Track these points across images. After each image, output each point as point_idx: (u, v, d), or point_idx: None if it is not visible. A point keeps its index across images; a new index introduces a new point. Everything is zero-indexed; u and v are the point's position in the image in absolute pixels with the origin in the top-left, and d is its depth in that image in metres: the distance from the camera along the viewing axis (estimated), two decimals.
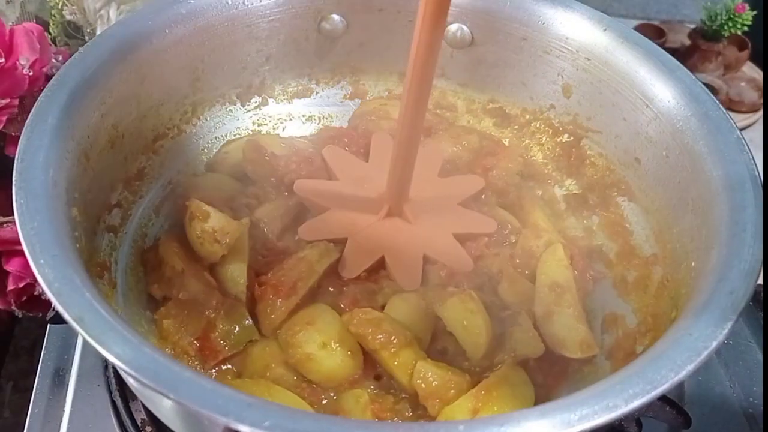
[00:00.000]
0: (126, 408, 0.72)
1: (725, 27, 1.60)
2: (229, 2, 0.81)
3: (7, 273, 0.77)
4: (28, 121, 0.62)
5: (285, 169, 0.81)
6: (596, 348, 0.70)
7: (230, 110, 0.89)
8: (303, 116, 0.93)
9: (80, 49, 0.71)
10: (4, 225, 0.76)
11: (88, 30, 0.97)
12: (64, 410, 0.74)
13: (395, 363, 0.66)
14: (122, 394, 0.73)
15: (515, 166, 0.85)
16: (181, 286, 0.70)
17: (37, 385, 0.77)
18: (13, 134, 0.75)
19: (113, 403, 0.73)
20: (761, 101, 1.61)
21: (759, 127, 1.60)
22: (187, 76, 0.82)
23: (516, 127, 0.91)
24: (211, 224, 0.71)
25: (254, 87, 0.90)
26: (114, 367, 0.75)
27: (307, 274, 0.71)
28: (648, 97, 0.76)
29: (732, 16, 1.59)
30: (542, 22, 0.83)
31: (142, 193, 0.79)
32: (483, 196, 0.83)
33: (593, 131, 0.84)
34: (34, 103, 0.64)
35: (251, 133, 0.90)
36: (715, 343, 0.51)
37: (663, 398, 0.66)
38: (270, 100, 0.92)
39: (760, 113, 1.61)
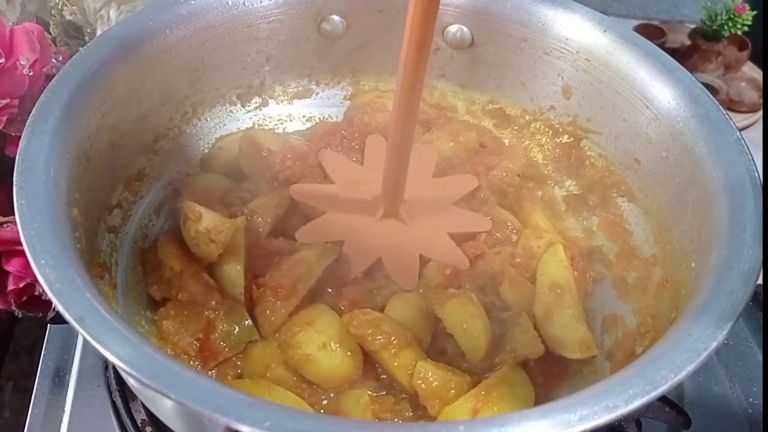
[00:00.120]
0: (126, 408, 0.72)
1: (725, 27, 1.60)
2: (230, 3, 0.81)
3: (7, 273, 0.77)
4: (29, 121, 0.62)
5: (280, 166, 0.82)
6: (596, 349, 0.70)
7: (230, 111, 0.89)
8: (303, 117, 0.93)
9: (81, 49, 0.71)
10: (5, 225, 0.75)
11: (89, 30, 0.97)
12: (64, 410, 0.74)
13: (395, 363, 0.66)
14: (122, 394, 0.73)
15: (516, 166, 0.85)
16: (180, 287, 0.70)
17: (37, 385, 0.77)
18: (13, 134, 0.75)
19: (113, 403, 0.74)
20: (761, 101, 1.61)
21: (759, 127, 1.60)
22: (187, 77, 0.82)
23: (516, 128, 0.91)
24: (205, 224, 0.71)
25: (254, 88, 0.90)
26: (114, 368, 0.75)
27: (307, 275, 0.71)
28: (648, 98, 0.76)
29: (732, 16, 1.59)
30: (542, 23, 0.83)
31: (143, 194, 0.79)
32: (482, 196, 0.83)
33: (593, 132, 0.84)
34: (35, 103, 0.64)
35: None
36: (714, 344, 0.51)
37: (663, 399, 0.66)
38: (270, 101, 0.92)
39: (760, 113, 1.61)
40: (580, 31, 0.81)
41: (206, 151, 0.87)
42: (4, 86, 0.74)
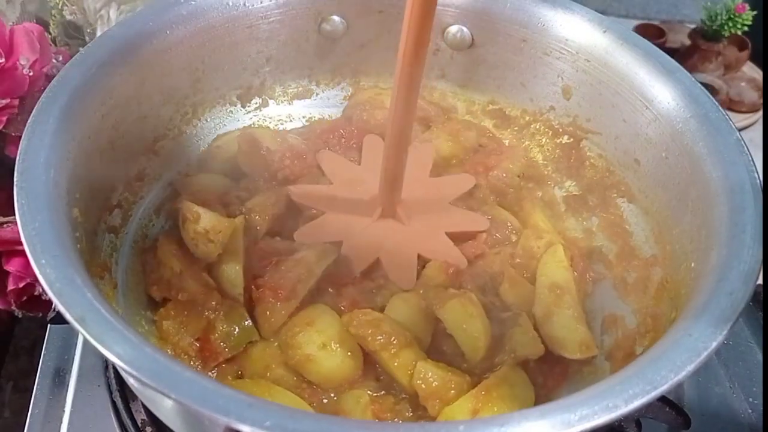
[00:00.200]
0: (126, 408, 0.72)
1: (725, 27, 1.60)
2: (230, 3, 0.81)
3: (8, 273, 0.77)
4: (29, 121, 0.62)
5: (279, 165, 0.82)
6: (596, 349, 0.70)
7: (231, 111, 0.89)
8: (303, 117, 0.93)
9: (81, 50, 0.71)
10: (5, 225, 0.76)
11: (89, 30, 0.97)
12: (64, 410, 0.74)
13: (395, 364, 0.66)
14: (122, 394, 0.73)
15: (516, 167, 0.85)
16: (180, 288, 0.70)
17: (37, 385, 0.77)
18: (13, 134, 0.75)
19: (113, 403, 0.74)
20: (761, 101, 1.61)
21: (759, 127, 1.60)
22: (187, 77, 0.82)
23: (516, 128, 0.91)
24: (203, 224, 0.71)
25: (255, 88, 0.90)
26: (114, 368, 0.75)
27: (306, 276, 0.71)
28: (647, 99, 0.76)
29: (732, 16, 1.59)
30: (542, 24, 0.83)
31: (143, 194, 0.79)
32: (481, 196, 0.83)
33: (593, 133, 0.84)
34: (35, 103, 0.64)
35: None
36: (714, 344, 0.51)
37: (663, 399, 0.66)
38: (270, 101, 0.92)
39: (760, 113, 1.61)
40: (580, 32, 0.82)
41: (204, 150, 0.87)
42: (4, 86, 0.74)
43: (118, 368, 0.48)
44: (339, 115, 0.93)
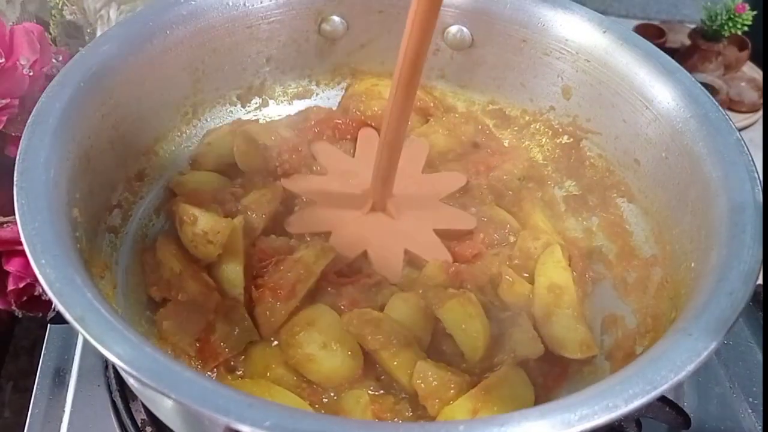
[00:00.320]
0: (126, 408, 0.72)
1: (725, 27, 1.60)
2: (230, 3, 0.81)
3: (7, 273, 0.77)
4: (29, 121, 0.62)
5: (278, 160, 0.82)
6: (596, 349, 0.70)
7: (231, 111, 0.89)
8: None
9: (81, 49, 0.71)
10: (5, 225, 0.76)
11: (89, 30, 0.97)
12: (64, 410, 0.74)
13: (395, 363, 0.66)
14: (122, 394, 0.73)
15: (518, 170, 0.85)
16: (179, 288, 0.70)
17: (37, 385, 0.77)
18: (13, 134, 0.75)
19: (113, 403, 0.73)
20: (761, 101, 1.61)
21: (759, 127, 1.60)
22: (187, 77, 0.82)
23: (516, 128, 0.91)
24: (201, 226, 0.71)
25: (254, 88, 0.90)
26: (114, 367, 0.75)
27: (306, 276, 0.71)
28: (647, 99, 0.76)
29: (732, 16, 1.59)
30: (542, 24, 0.83)
31: (143, 194, 0.79)
32: (480, 195, 0.83)
33: (593, 133, 0.84)
34: (35, 103, 0.64)
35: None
36: (714, 344, 0.51)
37: (663, 399, 0.66)
38: (270, 101, 0.92)
39: (760, 113, 1.61)
40: (580, 32, 0.82)
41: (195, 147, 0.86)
42: (4, 86, 0.74)
43: (117, 368, 0.48)
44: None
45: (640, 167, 0.78)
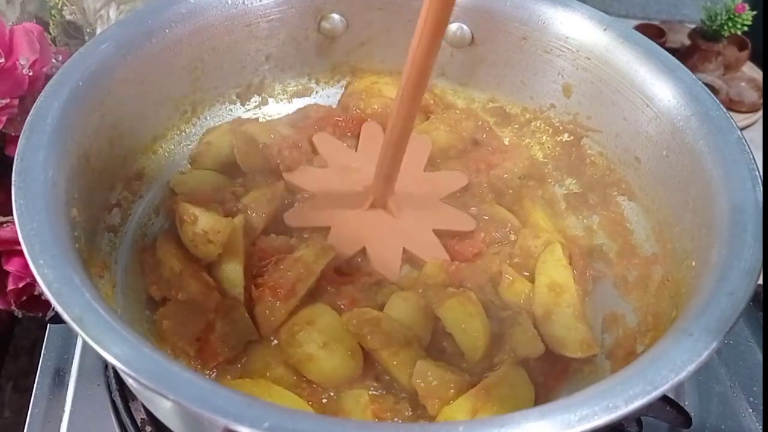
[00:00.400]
0: (126, 408, 0.72)
1: (725, 27, 1.60)
2: (229, 2, 0.81)
3: (7, 273, 0.77)
4: (27, 121, 0.62)
5: (278, 157, 0.82)
6: (596, 347, 0.70)
7: (230, 110, 0.89)
8: None
9: (80, 49, 0.70)
10: (4, 225, 0.76)
11: (88, 30, 0.96)
12: (64, 410, 0.74)
13: (395, 362, 0.66)
14: (122, 394, 0.73)
15: (519, 168, 0.84)
16: (179, 287, 0.70)
17: (37, 385, 0.76)
18: (13, 134, 0.75)
19: (113, 403, 0.73)
20: (761, 101, 1.61)
21: (759, 127, 1.60)
22: (186, 76, 0.82)
23: (516, 126, 0.91)
24: (201, 226, 0.71)
25: (254, 86, 0.90)
26: (114, 367, 0.74)
27: (306, 275, 0.71)
28: (648, 97, 0.76)
29: (732, 16, 1.58)
30: (542, 22, 0.83)
31: (142, 193, 0.79)
32: (480, 193, 0.83)
33: (593, 130, 0.84)
34: (34, 103, 0.64)
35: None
36: (715, 344, 0.51)
37: (663, 398, 0.66)
38: (270, 100, 0.91)
39: (760, 113, 1.61)
40: (581, 30, 0.81)
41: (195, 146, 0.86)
42: (4, 86, 0.74)
43: (116, 369, 0.48)
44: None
45: (641, 165, 0.78)
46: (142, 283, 0.73)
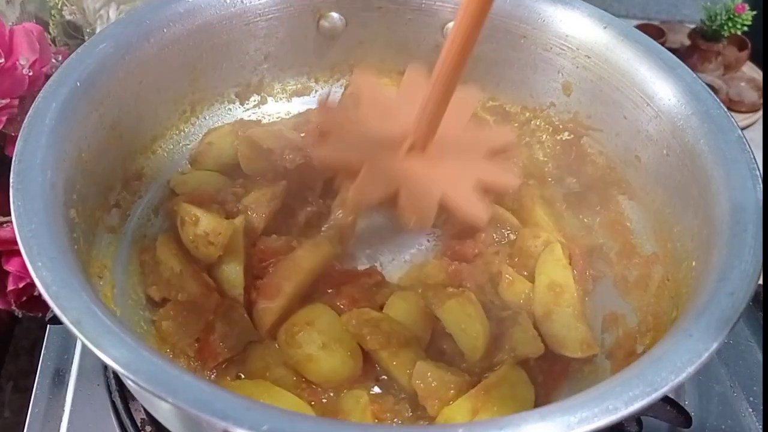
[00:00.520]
0: (126, 408, 0.72)
1: (725, 27, 1.59)
2: (227, 1, 0.81)
3: (7, 273, 0.77)
4: (25, 122, 0.62)
5: (281, 162, 0.81)
6: (596, 347, 0.70)
7: (229, 109, 0.89)
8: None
9: (78, 48, 0.70)
10: (4, 225, 0.75)
11: (88, 30, 0.96)
12: (64, 410, 0.74)
13: (394, 363, 0.66)
14: (122, 394, 0.73)
15: (519, 168, 0.84)
16: (179, 288, 0.70)
17: (37, 385, 0.76)
18: (12, 134, 0.75)
19: (113, 403, 0.73)
20: (761, 101, 1.60)
21: (759, 127, 1.60)
22: (185, 75, 0.81)
23: (516, 125, 0.90)
24: (202, 227, 0.71)
25: (253, 85, 0.89)
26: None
27: (293, 273, 0.70)
28: (648, 95, 0.76)
29: (732, 16, 1.58)
30: (542, 20, 0.83)
31: (141, 193, 0.79)
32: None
33: (593, 129, 0.84)
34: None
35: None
36: (715, 345, 0.51)
37: (664, 398, 0.66)
38: (269, 99, 0.91)
39: (760, 113, 1.61)
40: (581, 28, 0.81)
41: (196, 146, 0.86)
42: (4, 86, 0.74)
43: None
44: None
45: (641, 164, 0.78)
46: (141, 284, 0.73)
